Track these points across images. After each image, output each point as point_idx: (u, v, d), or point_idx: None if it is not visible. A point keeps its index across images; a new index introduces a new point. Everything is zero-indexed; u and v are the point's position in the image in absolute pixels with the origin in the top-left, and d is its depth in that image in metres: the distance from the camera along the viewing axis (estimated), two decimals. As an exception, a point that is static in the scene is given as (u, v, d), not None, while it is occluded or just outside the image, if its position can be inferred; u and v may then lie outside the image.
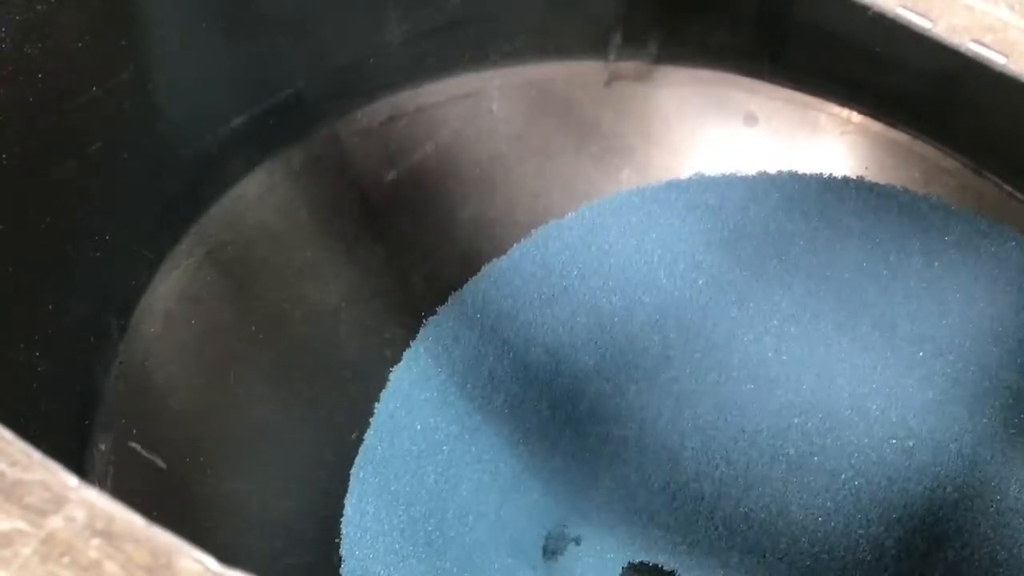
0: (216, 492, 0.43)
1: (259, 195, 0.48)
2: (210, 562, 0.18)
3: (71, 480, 0.19)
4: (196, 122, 0.45)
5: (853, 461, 0.44)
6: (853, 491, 0.44)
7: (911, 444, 0.44)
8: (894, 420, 0.45)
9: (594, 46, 0.51)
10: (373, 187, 0.50)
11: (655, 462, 0.45)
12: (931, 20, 0.24)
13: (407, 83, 0.50)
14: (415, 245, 0.49)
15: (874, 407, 0.45)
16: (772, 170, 0.50)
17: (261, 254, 0.48)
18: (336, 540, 0.43)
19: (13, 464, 0.19)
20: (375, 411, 0.46)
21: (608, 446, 0.46)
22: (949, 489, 0.44)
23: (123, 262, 0.44)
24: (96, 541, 0.19)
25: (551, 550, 0.45)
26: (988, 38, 0.24)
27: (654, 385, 0.46)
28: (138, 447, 0.42)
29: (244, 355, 0.46)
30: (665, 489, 0.45)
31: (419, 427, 0.46)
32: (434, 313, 0.48)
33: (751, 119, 0.51)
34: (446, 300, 0.48)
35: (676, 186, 0.50)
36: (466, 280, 0.49)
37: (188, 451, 0.43)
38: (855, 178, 0.50)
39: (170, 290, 0.46)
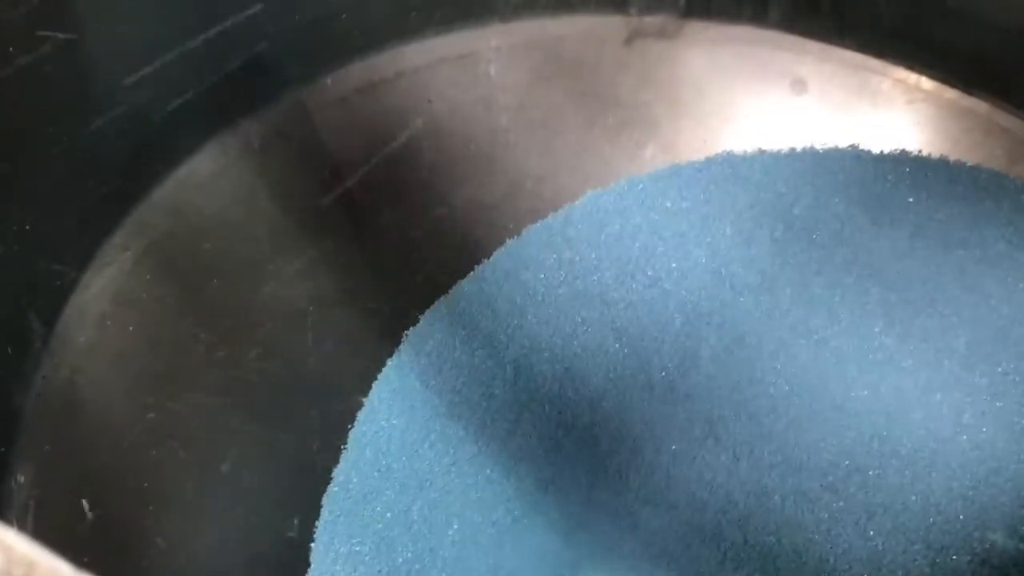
0: (157, 534, 0.43)
1: (210, 177, 0.48)
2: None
3: (-19, 519, 0.19)
4: (135, 88, 0.45)
5: (915, 500, 0.44)
6: (916, 538, 0.43)
7: (986, 474, 0.44)
8: (979, 448, 0.44)
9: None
10: (347, 167, 0.50)
11: (677, 497, 0.45)
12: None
13: (387, 42, 0.50)
14: (398, 237, 0.49)
15: (957, 439, 0.45)
16: (825, 146, 0.50)
17: (213, 248, 0.48)
18: (302, 591, 0.43)
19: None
20: (349, 436, 0.46)
21: (625, 476, 0.45)
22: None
23: (46, 257, 0.44)
24: (13, 593, 0.18)
25: (559, 600, 0.44)
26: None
27: (680, 402, 0.46)
28: (64, 480, 0.42)
29: (192, 369, 0.46)
30: (689, 528, 0.44)
31: (402, 455, 0.45)
32: (420, 319, 0.48)
33: (800, 85, 0.52)
34: (434, 303, 0.48)
35: (709, 166, 0.50)
36: (459, 279, 0.49)
37: (125, 484, 0.43)
38: (925, 155, 0.50)
39: (103, 291, 0.46)
